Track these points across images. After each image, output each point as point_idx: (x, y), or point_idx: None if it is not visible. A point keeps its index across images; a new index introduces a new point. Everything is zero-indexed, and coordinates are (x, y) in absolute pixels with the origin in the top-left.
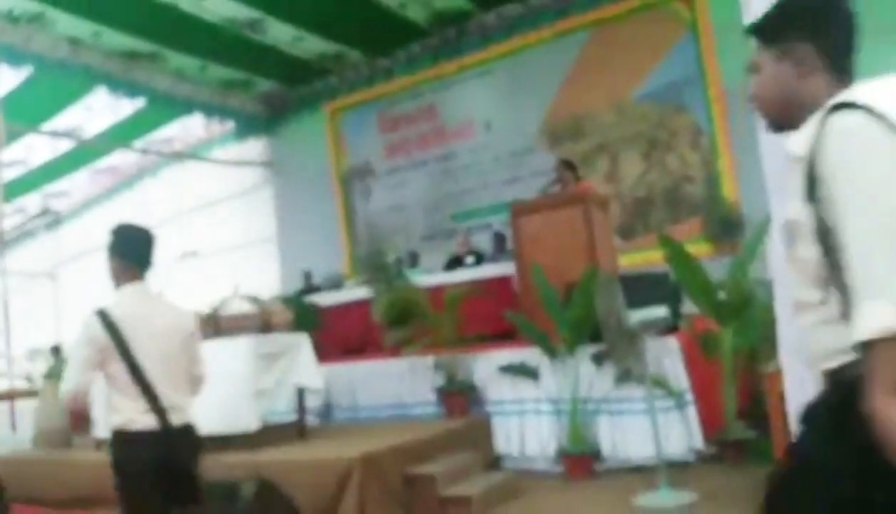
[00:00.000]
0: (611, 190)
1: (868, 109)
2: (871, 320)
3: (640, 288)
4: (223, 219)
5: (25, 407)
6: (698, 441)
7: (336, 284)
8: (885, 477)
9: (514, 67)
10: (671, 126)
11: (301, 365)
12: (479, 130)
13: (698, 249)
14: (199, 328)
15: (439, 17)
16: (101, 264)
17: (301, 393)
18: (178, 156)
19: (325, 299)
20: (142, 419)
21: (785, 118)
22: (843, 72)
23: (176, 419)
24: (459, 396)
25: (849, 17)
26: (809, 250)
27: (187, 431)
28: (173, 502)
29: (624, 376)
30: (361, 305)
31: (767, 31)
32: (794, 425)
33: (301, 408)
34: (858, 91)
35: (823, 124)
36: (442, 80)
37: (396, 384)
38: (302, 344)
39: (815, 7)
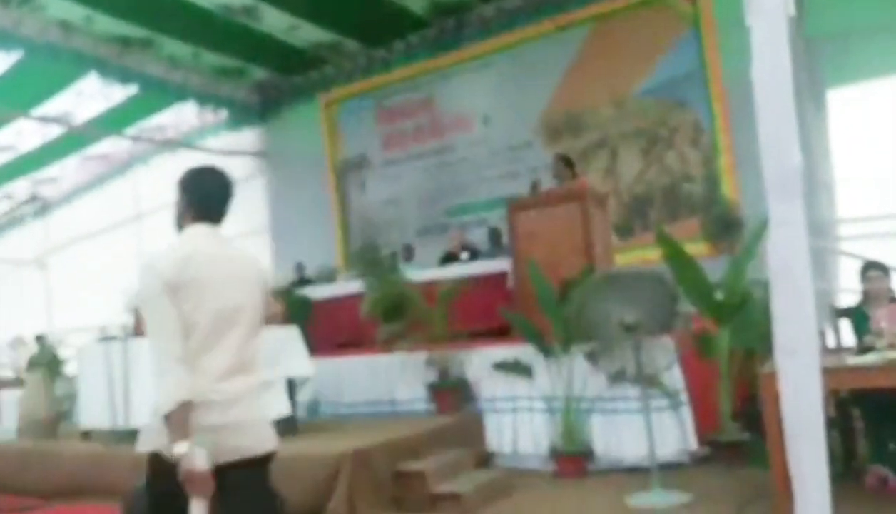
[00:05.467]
0: (609, 187)
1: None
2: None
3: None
4: None
5: (10, 397)
6: (692, 442)
7: (329, 277)
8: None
9: (513, 60)
10: (672, 123)
11: (291, 357)
12: (477, 123)
13: (696, 248)
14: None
15: (439, 7)
16: (90, 251)
17: (291, 387)
18: (170, 144)
19: (317, 292)
20: None
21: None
22: (207, 218)
23: None
24: (451, 392)
25: (210, 184)
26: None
27: None
28: None
29: (618, 376)
30: (354, 299)
31: (178, 185)
32: (790, 427)
33: (291, 402)
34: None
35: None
36: (440, 71)
37: (388, 380)
38: (293, 337)
39: (184, 179)
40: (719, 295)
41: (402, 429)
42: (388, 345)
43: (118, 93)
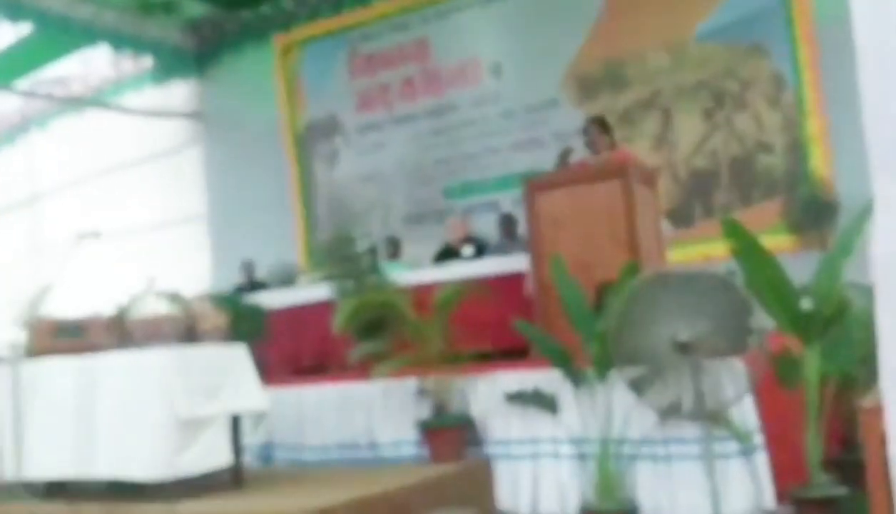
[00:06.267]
0: (661, 159)
1: None
2: None
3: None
4: (136, 188)
5: None
6: (769, 499)
7: (287, 279)
8: None
9: None
10: (744, 75)
11: (236, 386)
12: (485, 74)
13: (776, 241)
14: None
15: None
16: None
17: (236, 426)
18: (76, 102)
19: (271, 298)
20: None
21: None
22: None
23: None
24: (451, 432)
25: None
26: None
27: None
28: None
29: (671, 411)
30: (321, 308)
31: None
32: None
33: (236, 446)
34: None
35: None
36: (436, 6)
37: (365, 416)
38: (239, 359)
39: None
40: (806, 304)
41: (385, 481)
42: (366, 369)
43: (6, 33)
